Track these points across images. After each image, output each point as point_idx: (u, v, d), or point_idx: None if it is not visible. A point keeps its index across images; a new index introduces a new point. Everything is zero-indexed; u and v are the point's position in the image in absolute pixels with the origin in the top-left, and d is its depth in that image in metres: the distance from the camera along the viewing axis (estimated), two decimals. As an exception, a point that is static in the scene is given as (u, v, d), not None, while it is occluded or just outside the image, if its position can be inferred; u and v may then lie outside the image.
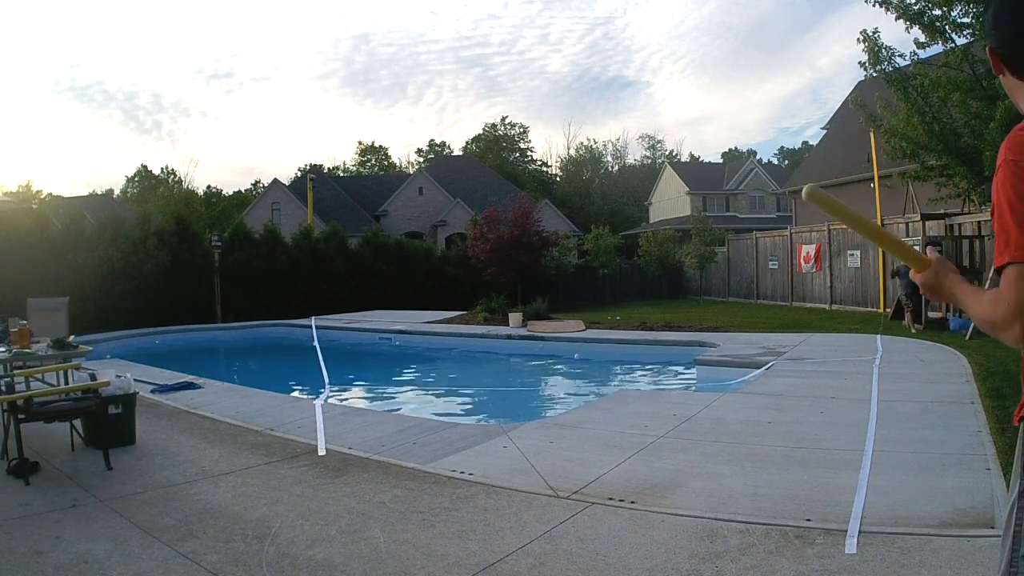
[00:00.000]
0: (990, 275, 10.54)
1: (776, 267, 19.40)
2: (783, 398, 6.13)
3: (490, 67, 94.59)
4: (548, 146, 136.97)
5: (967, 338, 9.72)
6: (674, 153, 66.63)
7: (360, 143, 68.46)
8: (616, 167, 66.08)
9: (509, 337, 12.46)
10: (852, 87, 23.98)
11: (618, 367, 10.74)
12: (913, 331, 11.09)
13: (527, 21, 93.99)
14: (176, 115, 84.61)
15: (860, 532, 3.03)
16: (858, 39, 11.51)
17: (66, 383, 5.66)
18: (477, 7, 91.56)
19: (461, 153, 60.22)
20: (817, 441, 4.65)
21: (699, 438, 4.84)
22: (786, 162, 65.23)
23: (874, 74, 11.63)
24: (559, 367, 11.32)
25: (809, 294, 17.82)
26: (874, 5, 10.95)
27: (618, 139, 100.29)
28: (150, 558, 3.00)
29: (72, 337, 6.36)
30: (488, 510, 3.54)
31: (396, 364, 12.60)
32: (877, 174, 15.61)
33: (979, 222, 12.01)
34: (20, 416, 4.33)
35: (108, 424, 4.79)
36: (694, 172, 47.09)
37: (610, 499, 3.62)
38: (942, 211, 12.53)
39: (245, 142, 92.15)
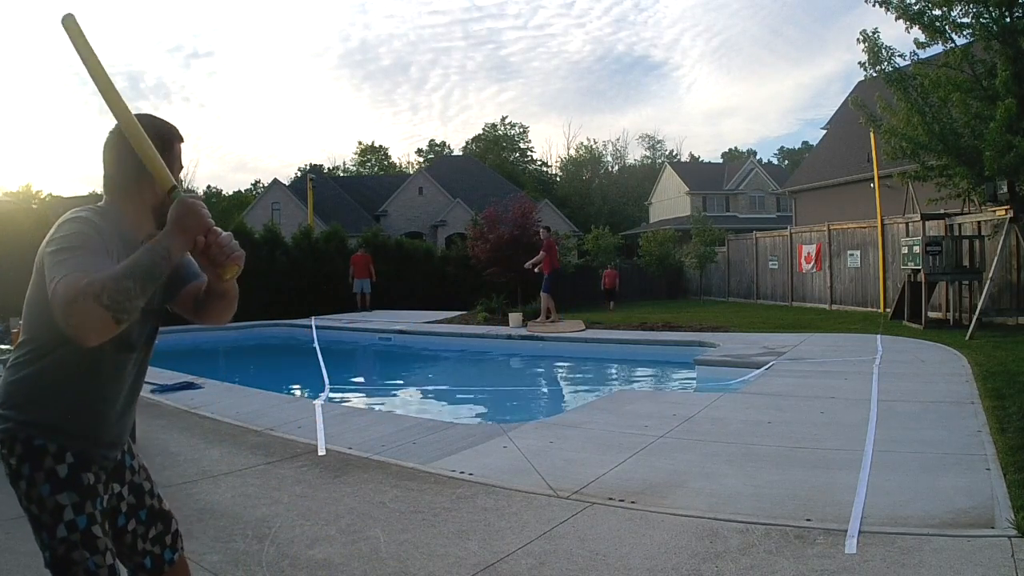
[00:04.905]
0: (990, 275, 10.55)
1: (776, 267, 19.40)
2: (783, 398, 6.13)
3: (503, 44, 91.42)
4: (548, 146, 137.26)
5: (967, 338, 9.73)
6: (674, 153, 66.76)
7: (360, 143, 68.64)
8: (616, 167, 66.13)
9: (509, 337, 12.46)
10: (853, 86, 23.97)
11: (618, 367, 10.74)
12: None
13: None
14: (157, 101, 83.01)
15: (860, 532, 3.03)
16: (858, 39, 11.51)
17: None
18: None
19: (461, 153, 60.28)
20: (817, 441, 4.65)
21: (699, 438, 4.84)
22: (786, 162, 65.30)
23: (874, 74, 11.62)
24: (559, 367, 11.32)
25: (809, 294, 17.81)
26: (874, 5, 10.96)
27: (618, 139, 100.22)
28: (150, 558, 2.99)
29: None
30: (488, 510, 3.54)
31: (396, 364, 12.60)
32: (877, 174, 15.61)
33: (979, 222, 12.01)
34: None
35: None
36: (694, 172, 47.15)
37: (610, 499, 3.62)
38: (942, 211, 12.53)
39: (236, 133, 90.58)
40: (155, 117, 1.76)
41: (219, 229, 1.57)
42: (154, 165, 1.57)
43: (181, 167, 1.80)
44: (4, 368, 1.70)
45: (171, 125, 1.77)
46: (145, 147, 1.57)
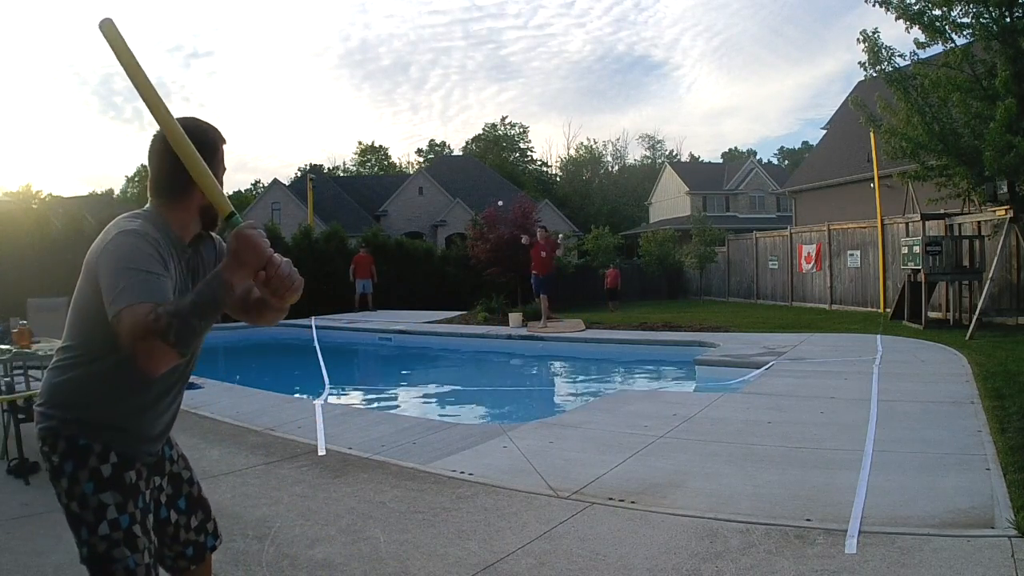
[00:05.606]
0: (990, 275, 10.55)
1: (776, 267, 19.40)
2: (783, 398, 6.13)
3: (503, 44, 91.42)
4: (548, 146, 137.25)
5: (967, 338, 9.72)
6: (674, 153, 66.76)
7: (360, 143, 68.66)
8: (616, 167, 66.11)
9: (509, 337, 12.45)
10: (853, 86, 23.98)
11: (618, 367, 10.74)
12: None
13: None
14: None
15: (860, 532, 3.03)
16: (858, 39, 11.51)
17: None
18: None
19: (461, 153, 60.28)
20: (817, 441, 4.65)
21: (699, 438, 4.84)
22: (786, 162, 65.31)
23: (874, 74, 11.62)
24: (559, 367, 11.32)
25: (809, 294, 17.81)
26: (874, 5, 10.96)
27: (618, 139, 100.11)
28: (150, 558, 2.99)
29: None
30: (488, 510, 3.54)
31: (396, 364, 12.60)
32: (877, 174, 15.61)
33: (979, 222, 12.01)
34: (20, 416, 4.33)
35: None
36: (694, 172, 47.14)
37: (610, 499, 3.62)
38: (942, 211, 12.52)
39: (236, 133, 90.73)
40: (199, 120, 1.72)
41: (278, 258, 1.53)
42: (212, 192, 1.55)
43: (224, 169, 1.78)
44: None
45: (215, 128, 1.74)
46: (203, 176, 1.54)
